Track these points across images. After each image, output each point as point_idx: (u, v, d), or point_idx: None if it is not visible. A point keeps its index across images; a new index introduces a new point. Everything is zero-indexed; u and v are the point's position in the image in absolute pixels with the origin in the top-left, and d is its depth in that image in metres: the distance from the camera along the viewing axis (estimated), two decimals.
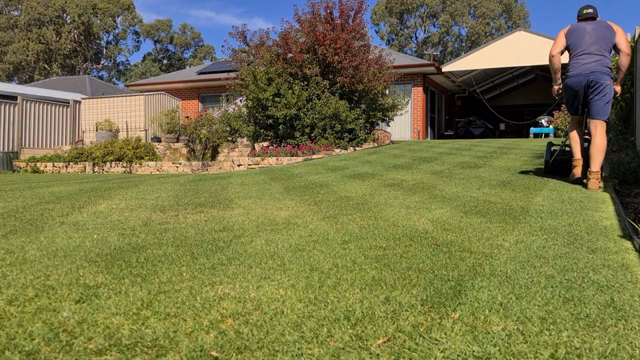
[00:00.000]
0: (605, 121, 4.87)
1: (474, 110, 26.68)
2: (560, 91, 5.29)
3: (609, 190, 4.57)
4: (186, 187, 6.23)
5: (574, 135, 5.17)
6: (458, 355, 1.47)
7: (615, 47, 4.93)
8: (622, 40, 4.87)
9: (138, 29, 55.35)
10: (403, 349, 1.52)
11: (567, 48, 5.12)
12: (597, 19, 5.13)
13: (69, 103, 19.16)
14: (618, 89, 5.05)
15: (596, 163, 4.80)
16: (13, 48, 46.61)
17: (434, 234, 3.15)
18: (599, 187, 4.74)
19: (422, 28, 52.17)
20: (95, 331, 1.69)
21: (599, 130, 4.85)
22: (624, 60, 4.87)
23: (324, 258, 2.60)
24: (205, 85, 21.91)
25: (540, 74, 24.57)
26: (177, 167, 14.43)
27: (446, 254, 2.64)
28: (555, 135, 17.02)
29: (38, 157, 16.31)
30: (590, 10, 5.12)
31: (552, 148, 5.99)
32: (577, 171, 5.02)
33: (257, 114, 13.17)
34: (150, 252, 2.81)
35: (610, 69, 4.91)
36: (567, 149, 5.60)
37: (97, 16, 49.22)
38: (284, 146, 12.38)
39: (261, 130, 13.24)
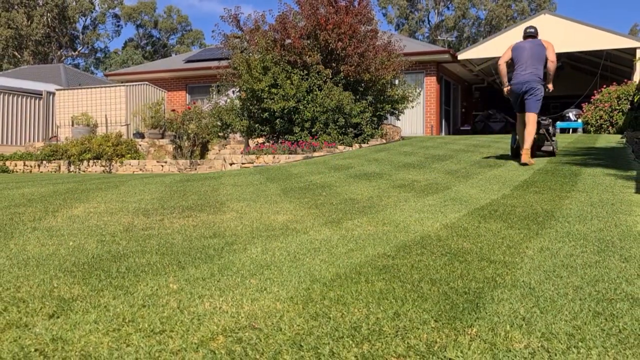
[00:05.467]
0: (536, 114, 7.23)
1: (493, 102, 26.65)
2: (508, 93, 7.53)
3: None
4: (172, 188, 6.23)
5: (520, 131, 7.42)
6: None
7: (546, 58, 7.24)
8: (550, 54, 7.23)
9: (118, 11, 55.46)
10: None
11: (512, 60, 7.40)
12: (537, 37, 7.50)
13: (41, 95, 19.18)
14: (550, 86, 7.36)
15: (527, 143, 7.13)
16: None
17: (448, 241, 3.15)
18: (529, 160, 6.96)
19: (435, 11, 52.18)
20: (70, 350, 1.69)
21: (530, 120, 7.23)
22: (551, 67, 7.27)
23: (326, 268, 2.60)
24: (193, 74, 21.91)
25: (567, 62, 24.51)
26: (162, 166, 14.45)
27: (462, 263, 2.64)
28: (585, 131, 16.94)
29: (7, 155, 16.32)
30: (531, 30, 7.54)
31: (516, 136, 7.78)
32: (524, 158, 7.01)
33: (251, 107, 13.17)
34: (133, 260, 2.81)
35: (540, 77, 7.23)
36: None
37: None
38: (281, 143, 12.38)
39: (256, 125, 13.24)
